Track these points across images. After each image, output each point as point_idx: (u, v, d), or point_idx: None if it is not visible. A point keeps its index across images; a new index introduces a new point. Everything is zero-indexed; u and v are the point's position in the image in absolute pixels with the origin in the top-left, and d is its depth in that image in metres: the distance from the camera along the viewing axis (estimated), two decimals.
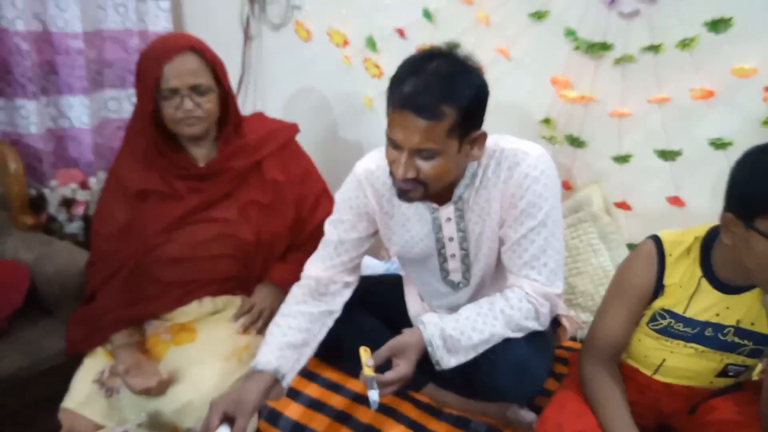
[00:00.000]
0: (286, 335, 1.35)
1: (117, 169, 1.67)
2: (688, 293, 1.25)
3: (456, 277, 1.46)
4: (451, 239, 1.40)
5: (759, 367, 1.33)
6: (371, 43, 2.14)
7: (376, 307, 1.60)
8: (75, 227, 2.18)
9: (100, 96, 2.39)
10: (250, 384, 1.27)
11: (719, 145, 1.65)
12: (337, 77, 2.28)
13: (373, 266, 1.93)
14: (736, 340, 1.25)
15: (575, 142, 1.85)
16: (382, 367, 1.24)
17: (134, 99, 2.44)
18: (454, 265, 1.44)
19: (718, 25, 1.55)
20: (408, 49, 2.00)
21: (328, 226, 1.47)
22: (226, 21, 2.45)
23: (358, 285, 1.57)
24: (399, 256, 1.51)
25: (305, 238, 1.74)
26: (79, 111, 2.29)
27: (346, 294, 1.48)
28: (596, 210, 1.82)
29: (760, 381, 1.26)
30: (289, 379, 1.34)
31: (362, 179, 1.42)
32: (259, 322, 1.60)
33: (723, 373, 1.29)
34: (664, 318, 1.28)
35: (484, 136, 1.25)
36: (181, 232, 1.59)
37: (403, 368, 1.22)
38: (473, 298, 1.47)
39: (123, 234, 1.60)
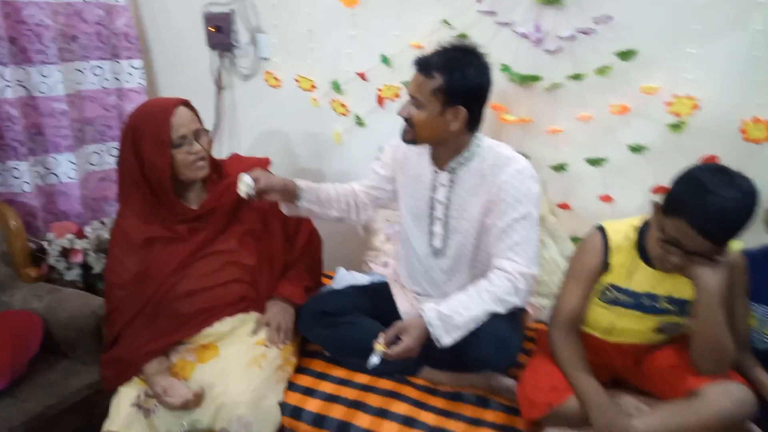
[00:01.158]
0: (320, 188, 1.79)
1: (121, 225, 1.80)
2: (628, 269, 1.51)
3: (437, 243, 1.72)
4: (440, 203, 1.68)
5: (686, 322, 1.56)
6: (336, 87, 2.34)
7: (370, 310, 1.81)
8: (74, 274, 2.29)
9: (83, 151, 2.49)
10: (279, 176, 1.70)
11: (637, 149, 1.93)
12: (306, 118, 2.45)
13: (360, 278, 2.12)
14: (669, 307, 1.51)
15: None
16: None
17: (113, 152, 2.57)
18: (437, 229, 1.70)
19: (626, 55, 1.85)
20: (370, 90, 2.27)
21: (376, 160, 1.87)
22: (198, 74, 2.58)
23: (352, 291, 1.85)
24: (404, 208, 1.79)
25: (296, 256, 1.93)
26: (65, 167, 2.39)
27: (363, 215, 1.88)
28: (543, 212, 2.05)
29: (689, 334, 1.47)
30: (300, 204, 1.75)
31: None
32: (280, 335, 1.76)
33: (659, 329, 1.54)
34: (611, 291, 1.53)
35: (464, 113, 1.53)
36: (191, 268, 1.74)
37: (406, 342, 1.50)
38: (450, 273, 1.72)
39: (138, 280, 1.73)
